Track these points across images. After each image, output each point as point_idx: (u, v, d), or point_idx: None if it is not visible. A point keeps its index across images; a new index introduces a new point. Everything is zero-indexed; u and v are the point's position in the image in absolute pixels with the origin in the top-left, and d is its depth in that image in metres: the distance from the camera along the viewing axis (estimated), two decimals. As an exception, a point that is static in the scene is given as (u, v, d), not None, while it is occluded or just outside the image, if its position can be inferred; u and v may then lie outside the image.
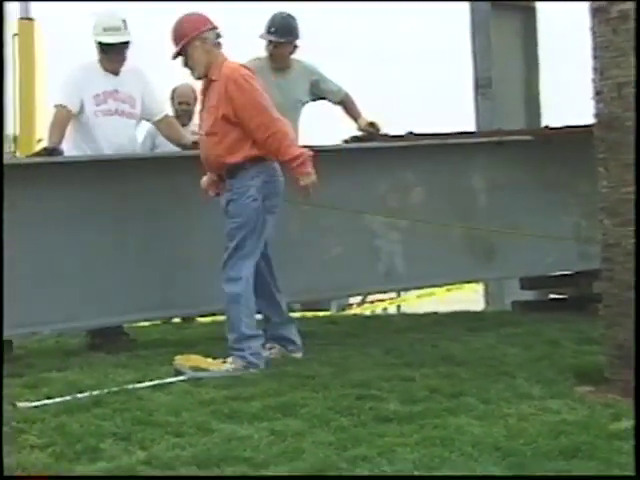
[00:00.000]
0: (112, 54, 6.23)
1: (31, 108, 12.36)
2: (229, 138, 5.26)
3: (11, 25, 12.29)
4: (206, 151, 5.40)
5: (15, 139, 13.39)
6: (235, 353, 5.15)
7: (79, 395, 4.46)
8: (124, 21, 6.24)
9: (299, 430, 3.92)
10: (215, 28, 5.46)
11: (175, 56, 5.42)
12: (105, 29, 6.21)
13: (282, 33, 6.51)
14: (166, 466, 3.51)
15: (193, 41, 5.34)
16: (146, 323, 6.83)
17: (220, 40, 5.47)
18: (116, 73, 6.28)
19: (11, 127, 12.70)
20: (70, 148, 6.11)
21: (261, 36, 6.55)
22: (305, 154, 5.24)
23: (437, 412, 4.18)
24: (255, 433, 3.88)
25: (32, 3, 12.16)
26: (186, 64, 5.41)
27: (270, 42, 6.54)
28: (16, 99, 12.18)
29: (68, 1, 13.63)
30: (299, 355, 5.50)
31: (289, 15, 6.61)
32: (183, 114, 7.45)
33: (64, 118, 6.10)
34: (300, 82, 6.67)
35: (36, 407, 4.29)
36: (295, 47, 6.62)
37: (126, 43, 6.22)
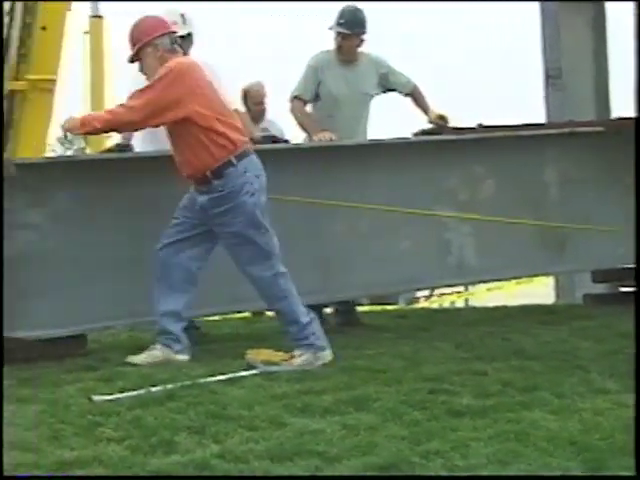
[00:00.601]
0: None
1: (101, 104, 12.56)
2: None
3: (82, 23, 12.50)
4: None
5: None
6: (301, 343, 5.16)
7: (153, 389, 4.49)
8: (182, 15, 6.27)
9: (372, 424, 3.91)
10: (170, 33, 5.41)
11: (131, 60, 5.42)
12: None
13: (350, 25, 6.51)
14: (239, 460, 3.51)
15: (145, 47, 5.31)
16: (217, 317, 6.86)
17: (176, 45, 5.42)
18: None
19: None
20: (140, 143, 6.17)
21: (330, 28, 6.57)
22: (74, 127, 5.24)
23: (510, 406, 4.14)
24: (327, 427, 3.87)
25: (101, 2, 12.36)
26: (141, 69, 5.39)
27: (338, 34, 6.55)
28: (87, 95, 12.38)
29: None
30: (184, 357, 5.32)
31: (357, 8, 6.62)
32: (256, 114, 7.47)
33: None
34: (368, 75, 6.66)
35: (111, 400, 4.33)
36: (362, 40, 6.62)
37: (183, 37, 6.25)
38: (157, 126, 5.31)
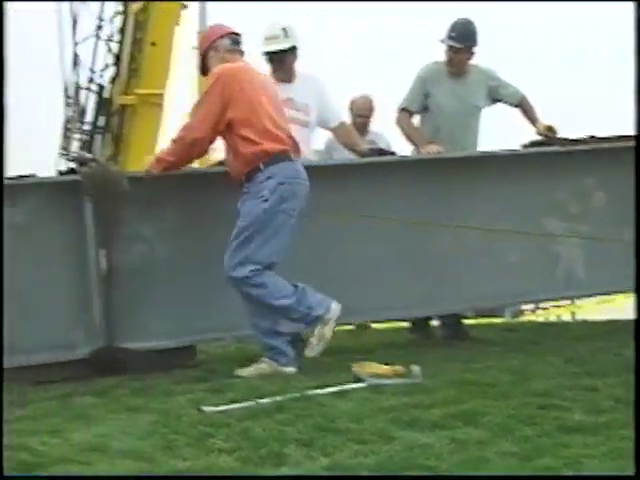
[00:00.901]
0: (273, 62, 6.35)
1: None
2: None
3: (190, 38, 12.72)
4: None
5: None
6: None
7: (262, 400, 4.52)
8: (284, 29, 6.31)
9: (481, 439, 3.87)
10: (230, 34, 5.48)
11: (202, 72, 5.53)
12: (266, 38, 6.34)
13: (462, 39, 6.48)
14: (349, 473, 3.51)
15: (208, 52, 5.42)
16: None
17: (238, 46, 5.48)
18: (289, 81, 6.39)
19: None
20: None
21: (441, 40, 6.54)
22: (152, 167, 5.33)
23: (624, 423, 4.04)
24: (436, 441, 3.84)
25: (210, 16, 12.54)
26: (206, 73, 5.50)
27: (450, 47, 6.52)
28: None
29: None
30: (291, 369, 5.35)
31: (469, 20, 6.58)
32: (359, 126, 7.46)
33: None
34: (478, 87, 6.62)
35: (221, 412, 4.37)
36: (473, 53, 6.58)
37: (284, 51, 6.30)
38: (214, 139, 5.37)
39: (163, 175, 5.42)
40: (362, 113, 7.69)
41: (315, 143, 6.93)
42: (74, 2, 13.26)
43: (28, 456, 3.72)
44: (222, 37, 5.47)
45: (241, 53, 5.52)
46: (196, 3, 12.81)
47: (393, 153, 6.60)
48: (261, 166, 5.18)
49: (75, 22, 13.36)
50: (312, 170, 6.05)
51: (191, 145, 5.28)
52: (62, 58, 13.53)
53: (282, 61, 6.30)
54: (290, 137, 5.34)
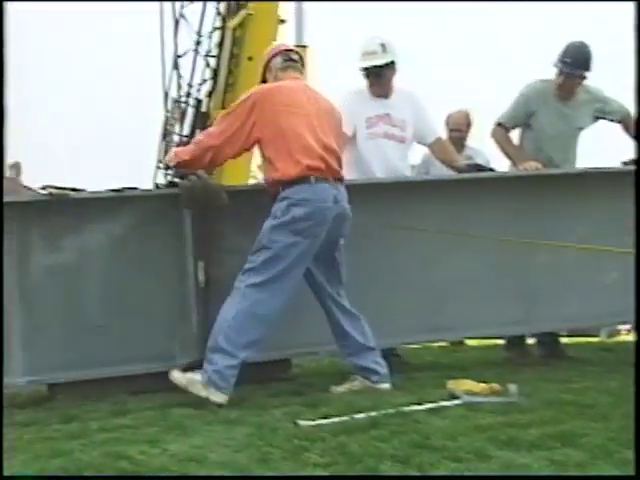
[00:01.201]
0: (371, 78, 6.35)
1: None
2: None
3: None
4: None
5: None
6: (205, 361, 5.04)
7: (357, 416, 4.52)
8: (383, 45, 6.31)
9: (580, 461, 3.79)
10: (282, 52, 5.53)
11: None
12: (363, 54, 6.35)
13: (575, 66, 6.39)
14: (447, 491, 3.49)
15: (266, 73, 5.52)
16: (417, 345, 6.86)
17: (291, 62, 5.49)
18: (386, 96, 6.39)
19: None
20: (346, 171, 6.26)
21: (554, 65, 6.45)
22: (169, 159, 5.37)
23: None
24: (534, 462, 3.78)
25: (306, 31, 12.60)
26: None
27: (561, 72, 6.43)
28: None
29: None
30: (385, 386, 5.29)
31: (583, 45, 6.45)
32: (455, 141, 7.43)
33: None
34: (584, 109, 6.55)
35: (316, 426, 4.38)
36: (585, 78, 6.48)
37: (382, 66, 6.30)
38: (237, 152, 5.35)
39: (259, 189, 5.49)
40: (458, 127, 7.65)
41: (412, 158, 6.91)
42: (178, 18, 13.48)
43: (127, 465, 3.78)
44: (274, 56, 5.53)
45: (295, 68, 5.52)
46: (293, 18, 12.87)
47: (492, 169, 6.56)
48: (280, 189, 5.19)
49: (176, 40, 13.58)
50: (408, 186, 6.09)
51: (205, 151, 5.29)
52: (164, 73, 13.77)
53: (380, 76, 6.31)
54: (322, 157, 5.20)
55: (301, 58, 5.64)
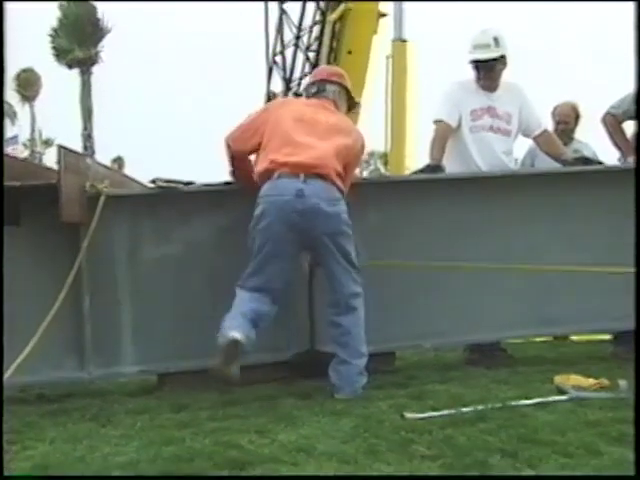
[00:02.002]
0: (481, 71, 6.31)
1: (402, 127, 12.76)
2: None
3: (385, 47, 12.79)
4: None
5: (386, 156, 13.92)
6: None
7: (463, 409, 4.52)
8: (495, 38, 6.27)
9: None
10: (317, 81, 5.55)
11: None
12: (475, 47, 6.31)
13: None
14: (556, 486, 3.46)
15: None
16: (520, 340, 6.79)
17: (320, 93, 5.47)
18: (492, 89, 6.35)
19: (382, 144, 13.23)
20: (447, 164, 6.24)
21: None
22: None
23: None
24: (647, 459, 3.73)
25: (406, 25, 12.55)
26: None
27: None
28: (388, 118, 12.61)
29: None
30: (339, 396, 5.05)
31: None
32: (561, 133, 7.32)
33: (444, 133, 6.23)
34: None
35: (423, 419, 4.39)
36: None
37: (494, 60, 6.26)
38: (246, 152, 5.36)
39: (365, 182, 5.51)
40: (564, 120, 7.54)
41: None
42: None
43: (237, 454, 3.86)
44: (312, 83, 5.61)
45: (325, 98, 5.48)
46: (392, 12, 12.82)
47: (600, 162, 6.44)
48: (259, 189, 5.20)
49: (279, 33, 13.72)
50: (513, 179, 6.04)
51: (225, 146, 5.38)
52: (268, 66, 13.93)
53: (491, 69, 6.27)
54: (292, 152, 5.11)
55: (341, 86, 5.54)
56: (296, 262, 5.20)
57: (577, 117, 7.60)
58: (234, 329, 4.78)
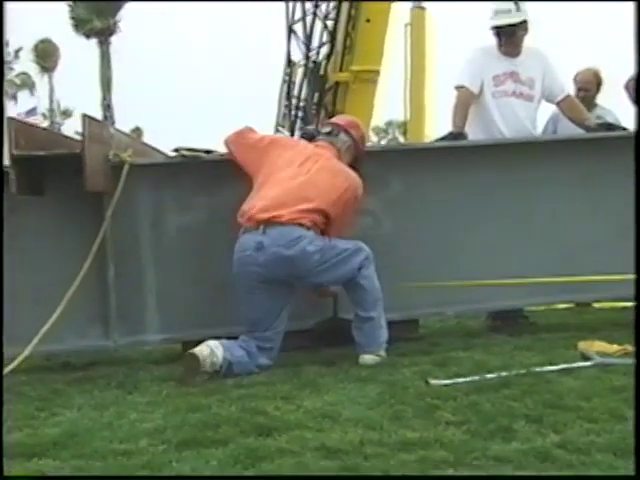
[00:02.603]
0: (503, 37, 6.27)
1: (421, 95, 12.69)
2: None
3: (404, 15, 12.69)
4: None
5: (405, 125, 13.86)
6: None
7: (487, 375, 4.52)
8: (516, 3, 6.23)
9: None
10: (331, 124, 5.62)
11: None
12: (496, 12, 6.27)
13: None
14: (581, 451, 3.44)
15: None
16: (542, 307, 6.78)
17: (329, 131, 5.53)
18: (515, 55, 6.30)
19: (401, 113, 13.17)
20: (469, 130, 6.21)
21: None
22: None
23: None
24: (673, 423, 3.72)
25: (423, -9, 12.45)
26: None
27: None
28: (407, 87, 12.55)
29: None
30: None
31: None
32: (582, 100, 7.27)
33: (467, 99, 6.20)
34: None
35: (447, 385, 4.40)
36: None
37: (515, 26, 6.21)
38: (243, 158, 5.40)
39: (387, 149, 5.49)
40: (585, 87, 7.47)
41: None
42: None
43: (264, 420, 3.88)
44: (328, 124, 5.66)
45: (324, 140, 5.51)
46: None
47: (624, 128, 6.39)
48: None
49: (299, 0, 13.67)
50: (536, 145, 6.01)
51: (225, 146, 5.48)
52: (288, 36, 13.87)
53: (513, 35, 6.23)
54: (254, 205, 5.14)
55: (354, 140, 5.49)
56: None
57: (599, 84, 7.51)
58: (207, 344, 4.89)
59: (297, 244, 5.03)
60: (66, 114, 46.45)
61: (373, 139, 34.66)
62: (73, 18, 41.03)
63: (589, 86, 7.47)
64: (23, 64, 47.83)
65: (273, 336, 5.08)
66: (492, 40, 6.35)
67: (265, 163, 5.29)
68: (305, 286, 5.25)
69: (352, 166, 5.41)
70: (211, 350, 4.86)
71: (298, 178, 5.21)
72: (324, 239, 5.15)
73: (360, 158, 5.49)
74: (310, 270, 5.08)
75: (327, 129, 5.55)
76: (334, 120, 5.62)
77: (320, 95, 13.46)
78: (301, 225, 5.09)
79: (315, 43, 13.69)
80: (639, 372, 4.09)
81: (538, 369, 4.64)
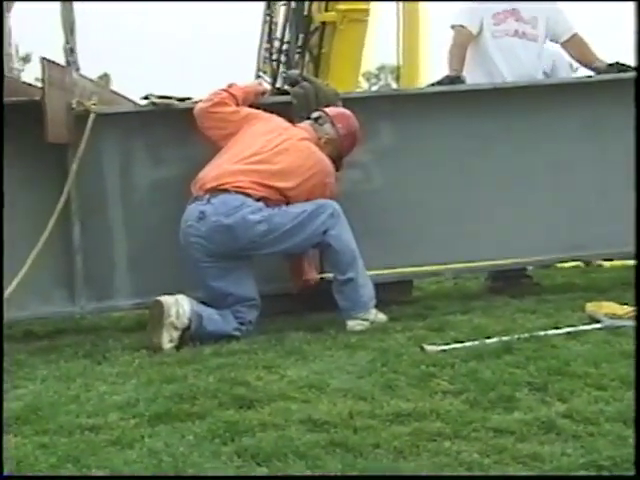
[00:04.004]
0: None
1: (415, 37, 12.63)
2: None
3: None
4: None
5: (398, 69, 13.79)
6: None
7: (487, 340, 4.52)
8: None
9: None
10: (325, 115, 5.51)
11: None
12: None
13: None
14: (589, 421, 3.44)
15: None
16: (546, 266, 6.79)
17: (317, 118, 5.48)
18: None
19: (393, 57, 13.10)
20: (468, 74, 6.16)
21: None
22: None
23: None
24: (687, 389, 3.73)
25: None
26: None
27: None
28: (399, 27, 12.47)
29: None
30: None
31: None
32: None
33: (465, 40, 6.18)
34: None
35: (444, 351, 4.40)
36: None
37: None
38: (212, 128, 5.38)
39: (379, 93, 5.44)
40: None
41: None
42: None
43: (245, 391, 3.86)
44: (321, 110, 5.54)
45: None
46: None
47: (636, 69, 6.36)
48: None
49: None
50: (541, 90, 5.97)
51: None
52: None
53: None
54: (205, 174, 5.17)
55: (340, 141, 5.42)
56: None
57: None
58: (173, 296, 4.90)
59: (237, 212, 5.01)
60: (25, 60, 46.08)
61: (364, 85, 34.49)
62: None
63: None
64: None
65: (244, 309, 5.08)
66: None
67: (234, 136, 5.30)
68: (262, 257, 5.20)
69: (332, 161, 5.36)
70: (176, 299, 4.87)
71: (262, 153, 5.20)
72: (274, 208, 5.10)
73: (342, 155, 5.45)
74: (255, 241, 5.04)
75: (316, 115, 5.49)
76: (327, 109, 5.52)
77: (305, 37, 13.37)
78: (247, 195, 5.06)
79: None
80: (638, 367, 4.07)
81: (542, 333, 4.63)
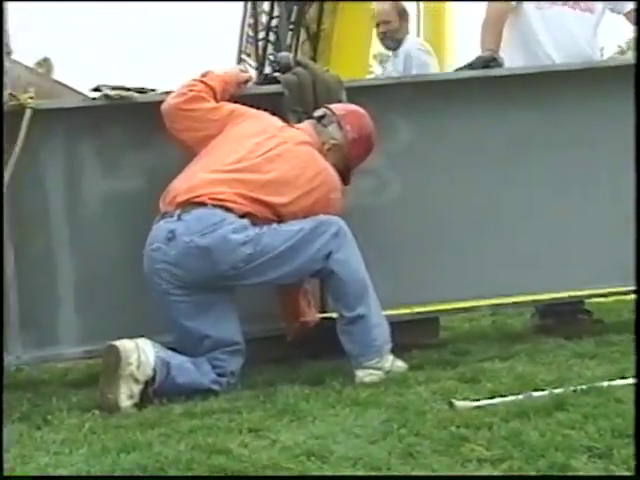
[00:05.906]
0: None
1: (440, 10, 12.78)
2: None
3: None
4: None
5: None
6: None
7: (534, 393, 4.53)
8: None
9: None
10: (332, 114, 5.55)
11: None
12: None
13: None
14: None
15: None
16: (610, 299, 6.80)
17: (321, 116, 5.54)
18: None
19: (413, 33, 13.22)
20: (505, 55, 6.20)
21: None
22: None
23: None
24: None
25: None
26: None
27: None
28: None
29: None
30: None
31: None
32: (384, 36, 7.75)
33: (501, 13, 6.24)
34: None
35: (479, 407, 4.41)
36: None
37: None
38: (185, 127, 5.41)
39: (395, 81, 5.49)
40: (384, 19, 8.02)
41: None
42: None
43: (226, 461, 3.86)
44: (326, 109, 5.57)
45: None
46: None
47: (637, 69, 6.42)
48: None
49: None
50: (596, 72, 6.00)
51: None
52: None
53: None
54: (175, 187, 5.22)
55: (332, 116, 5.50)
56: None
57: (400, 14, 7.94)
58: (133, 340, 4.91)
59: (215, 230, 5.03)
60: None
61: (376, 70, 34.70)
62: None
63: (389, 18, 7.75)
64: None
65: (224, 356, 5.10)
66: None
67: (214, 139, 5.35)
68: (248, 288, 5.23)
69: (338, 171, 5.40)
70: (136, 344, 4.88)
71: (249, 159, 5.24)
72: (262, 227, 5.12)
73: (351, 165, 5.49)
74: (237, 268, 5.05)
75: (319, 113, 5.53)
76: (333, 105, 5.54)
77: (299, 11, 13.45)
78: (229, 210, 5.09)
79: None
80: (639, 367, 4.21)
81: (605, 384, 4.64)
